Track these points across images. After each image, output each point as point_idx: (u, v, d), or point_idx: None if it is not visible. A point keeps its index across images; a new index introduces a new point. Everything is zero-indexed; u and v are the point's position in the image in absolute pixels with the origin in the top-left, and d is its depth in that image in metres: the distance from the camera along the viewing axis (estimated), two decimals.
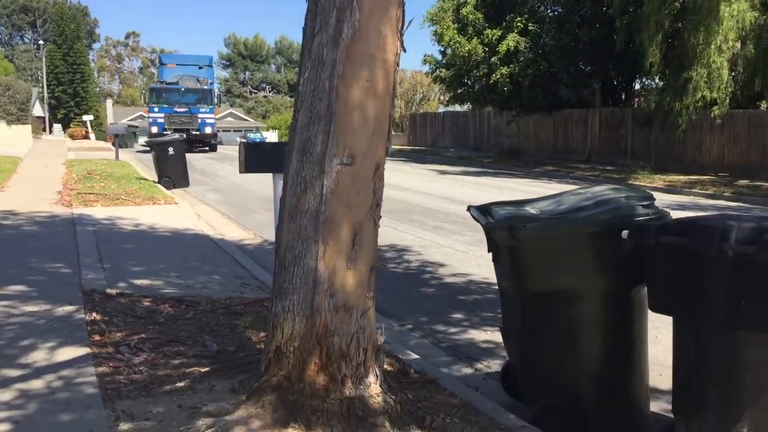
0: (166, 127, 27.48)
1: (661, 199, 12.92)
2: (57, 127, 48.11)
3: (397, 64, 2.82)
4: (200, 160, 23.20)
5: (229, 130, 49.89)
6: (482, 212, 3.15)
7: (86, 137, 45.11)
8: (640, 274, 2.78)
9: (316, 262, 2.69)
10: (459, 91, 25.25)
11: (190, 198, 12.64)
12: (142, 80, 69.82)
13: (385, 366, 3.54)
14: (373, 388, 2.74)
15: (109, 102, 54.65)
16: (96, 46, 72.22)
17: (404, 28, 2.82)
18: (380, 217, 2.86)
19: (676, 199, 13.62)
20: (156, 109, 28.46)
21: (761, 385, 2.40)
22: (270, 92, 76.40)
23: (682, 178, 16.96)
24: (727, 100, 16.47)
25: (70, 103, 53.66)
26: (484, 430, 2.78)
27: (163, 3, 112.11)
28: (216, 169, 20.26)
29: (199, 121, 28.82)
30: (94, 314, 4.46)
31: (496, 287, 3.44)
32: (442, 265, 6.84)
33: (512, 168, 21.52)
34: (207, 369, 3.45)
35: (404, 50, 2.86)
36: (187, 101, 28.87)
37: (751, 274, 2.29)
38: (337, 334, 2.69)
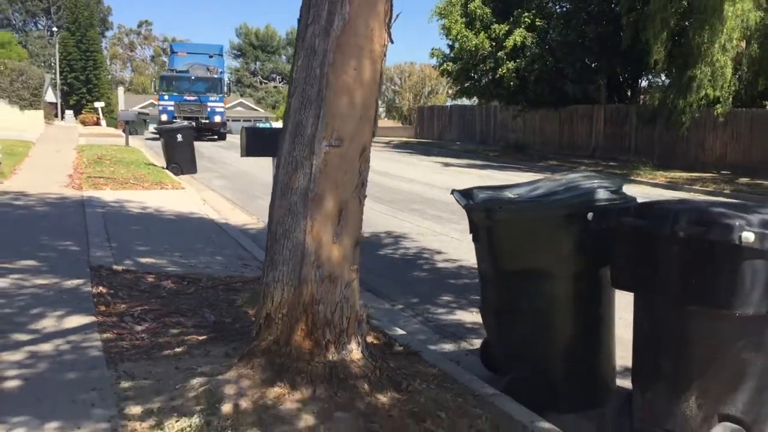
0: (176, 115, 27.64)
1: (661, 195, 13.09)
2: (69, 113, 48.50)
3: (384, 55, 3.03)
4: (209, 148, 23.47)
5: (239, 120, 50.10)
6: (464, 195, 3.37)
7: (97, 124, 45.48)
8: (606, 254, 2.99)
9: (304, 236, 2.91)
10: (466, 84, 25.40)
11: (197, 184, 12.90)
12: (154, 68, 70.20)
13: (373, 340, 3.78)
14: (355, 354, 2.97)
15: (120, 89, 54.95)
16: (109, 33, 72.66)
17: (392, 21, 3.02)
18: (365, 196, 3.08)
19: (676, 195, 13.73)
20: (166, 97, 28.60)
21: (709, 358, 2.60)
22: (280, 83, 76.55)
23: (684, 175, 17.05)
24: (730, 99, 16.53)
25: (82, 89, 54.07)
26: (457, 396, 3.00)
27: None
28: (224, 156, 20.52)
29: (209, 109, 29.00)
30: (101, 288, 4.71)
31: None
32: (437, 252, 7.05)
33: (517, 162, 21.64)
34: (204, 337, 3.69)
35: (392, 41, 3.07)
36: (197, 90, 29.04)
37: (698, 253, 2.49)
38: (322, 303, 2.92)
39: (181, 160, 14.37)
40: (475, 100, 29.35)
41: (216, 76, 30.18)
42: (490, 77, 23.55)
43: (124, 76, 73.57)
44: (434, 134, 34.31)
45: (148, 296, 4.60)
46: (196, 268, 5.68)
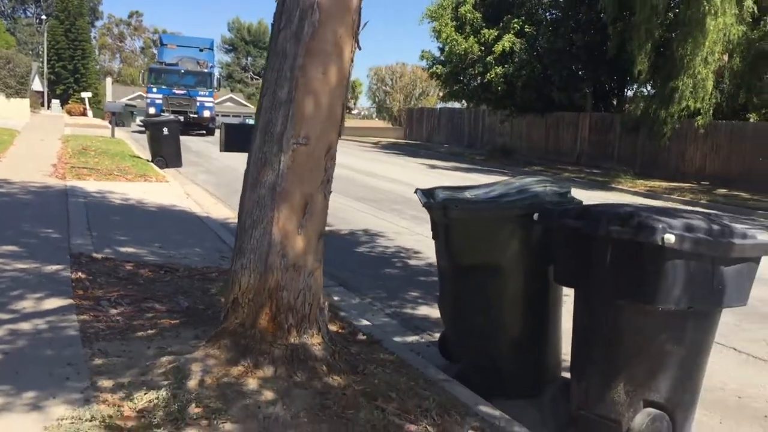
0: (164, 108, 27.45)
1: (640, 203, 13.38)
2: (55, 102, 48.26)
3: (352, 60, 3.25)
4: (196, 143, 23.54)
5: (228, 115, 50.03)
6: (425, 194, 3.60)
7: (84, 114, 45.28)
8: (550, 253, 3.22)
9: (271, 226, 3.12)
10: (455, 88, 25.66)
11: (181, 178, 13.03)
12: (143, 60, 69.84)
13: (338, 329, 3.99)
14: (315, 338, 3.18)
15: (108, 80, 54.75)
16: (98, 23, 72.18)
17: (359, 29, 3.24)
18: (330, 192, 3.29)
19: (653, 204, 14.08)
20: (154, 90, 28.35)
21: (635, 349, 2.83)
22: None
23: (664, 184, 17.41)
24: (711, 111, 16.91)
25: (69, 79, 53.78)
26: (410, 380, 3.22)
27: None
28: (211, 151, 20.60)
29: (198, 104, 28.89)
30: (80, 273, 4.88)
31: None
32: (411, 250, 7.28)
33: (503, 166, 21.92)
34: (177, 321, 3.88)
35: (359, 48, 3.28)
36: (186, 83, 28.90)
37: (628, 253, 2.72)
38: (286, 290, 3.13)
39: (166, 154, 14.49)
40: (464, 104, 29.67)
41: (206, 70, 30.09)
42: (479, 81, 23.84)
43: (113, 66, 73.21)
44: (423, 136, 34.59)
45: (125, 283, 4.78)
46: (174, 259, 5.86)
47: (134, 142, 21.13)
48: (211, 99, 29.93)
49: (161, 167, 13.77)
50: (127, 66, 71.70)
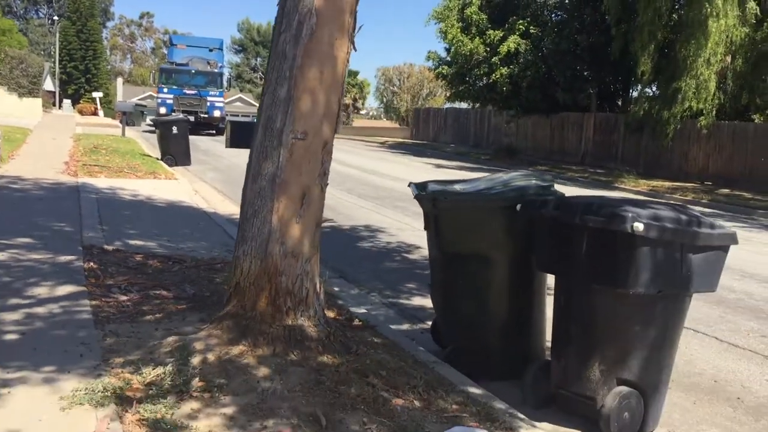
0: (175, 108, 27.52)
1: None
2: (66, 102, 48.82)
3: (347, 61, 3.46)
4: (205, 142, 23.83)
5: (237, 115, 50.35)
6: (418, 187, 3.81)
7: (95, 114, 45.81)
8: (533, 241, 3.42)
9: (271, 216, 3.34)
10: (460, 88, 25.84)
11: (190, 175, 13.30)
12: (154, 60, 70.49)
13: (335, 315, 4.21)
14: (312, 320, 3.40)
15: (119, 80, 55.36)
16: (110, 24, 72.91)
17: (355, 32, 3.46)
18: (327, 184, 3.51)
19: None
20: (165, 90, 28.59)
21: (609, 330, 3.02)
22: None
23: (666, 184, 17.53)
24: (714, 112, 17.03)
25: (81, 79, 54.36)
26: (401, 360, 3.43)
27: None
28: (219, 150, 20.88)
29: (208, 104, 29.02)
30: (92, 263, 5.13)
31: None
32: (412, 245, 7.48)
33: (508, 166, 21.99)
34: (183, 307, 4.11)
35: (355, 50, 3.50)
36: (197, 83, 29.07)
37: (602, 240, 2.92)
38: (284, 275, 3.35)
39: (175, 152, 14.79)
40: (470, 104, 29.83)
41: (216, 70, 30.31)
42: (485, 82, 24.02)
43: (124, 67, 73.89)
44: (429, 136, 34.78)
45: (135, 272, 5.02)
46: (182, 251, 6.09)
47: (144, 140, 21.45)
48: (221, 99, 30.14)
49: (170, 165, 14.06)
50: (138, 66, 72.35)
